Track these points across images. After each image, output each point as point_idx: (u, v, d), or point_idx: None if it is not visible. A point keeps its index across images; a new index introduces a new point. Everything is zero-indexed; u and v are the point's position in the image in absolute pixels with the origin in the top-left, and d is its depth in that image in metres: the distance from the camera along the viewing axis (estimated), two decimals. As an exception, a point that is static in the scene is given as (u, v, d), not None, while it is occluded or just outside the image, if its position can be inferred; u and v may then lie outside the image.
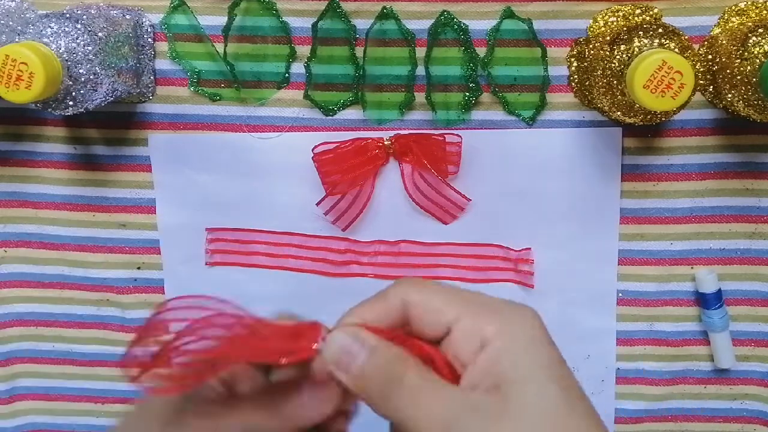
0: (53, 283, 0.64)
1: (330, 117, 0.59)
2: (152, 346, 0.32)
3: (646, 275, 0.60)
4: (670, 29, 0.49)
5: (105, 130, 0.61)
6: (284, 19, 0.57)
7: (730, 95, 0.51)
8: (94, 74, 0.50)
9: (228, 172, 0.61)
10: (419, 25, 0.57)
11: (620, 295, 0.61)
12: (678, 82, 0.46)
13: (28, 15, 0.56)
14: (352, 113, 0.59)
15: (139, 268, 0.63)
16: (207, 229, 0.62)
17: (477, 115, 0.59)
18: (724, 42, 0.51)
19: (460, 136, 0.58)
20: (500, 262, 0.61)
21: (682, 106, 0.48)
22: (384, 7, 0.57)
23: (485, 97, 0.58)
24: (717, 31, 0.55)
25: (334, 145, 0.59)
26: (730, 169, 0.58)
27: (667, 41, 0.48)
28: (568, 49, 0.57)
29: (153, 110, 0.60)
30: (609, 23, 0.54)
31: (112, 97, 0.53)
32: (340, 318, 0.35)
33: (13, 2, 0.56)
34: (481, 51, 0.57)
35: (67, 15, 0.51)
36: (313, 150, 0.58)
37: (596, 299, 0.61)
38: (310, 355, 0.33)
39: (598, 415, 0.33)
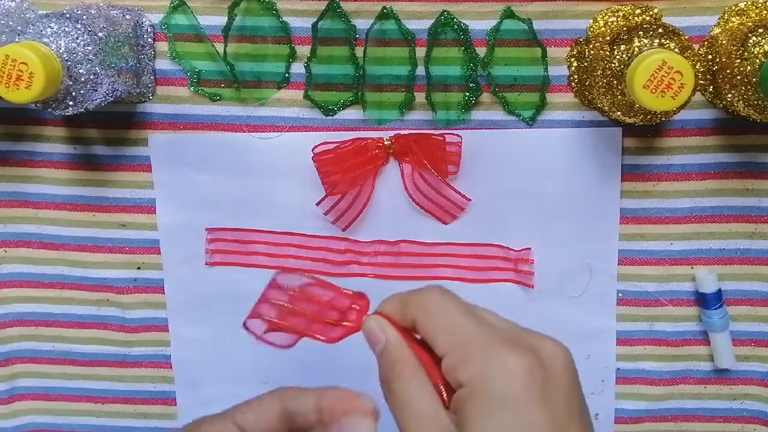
0: (53, 283, 0.64)
1: (330, 117, 0.59)
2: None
3: (646, 275, 0.60)
4: (670, 29, 0.49)
5: (105, 130, 0.61)
6: (284, 19, 0.57)
7: (730, 95, 0.51)
8: (94, 74, 0.50)
9: (228, 172, 0.61)
10: (419, 25, 0.57)
11: (620, 295, 0.61)
12: (678, 82, 0.46)
13: (28, 15, 0.56)
14: (352, 113, 0.59)
15: (139, 268, 0.63)
16: (207, 229, 0.62)
17: (477, 115, 0.59)
18: (724, 42, 0.51)
19: (460, 136, 0.58)
20: (500, 262, 0.61)
21: (682, 106, 0.48)
22: (384, 7, 0.57)
23: (485, 97, 0.58)
24: (717, 31, 0.55)
25: (334, 145, 0.59)
26: (730, 169, 0.58)
27: (667, 41, 0.48)
28: (568, 49, 0.57)
29: (153, 110, 0.60)
30: (609, 23, 0.54)
31: (112, 97, 0.53)
32: (381, 302, 0.40)
33: (13, 2, 0.56)
34: (481, 51, 0.57)
35: (67, 15, 0.51)
36: (313, 150, 0.58)
37: (596, 299, 0.61)
38: (354, 332, 0.40)
39: None
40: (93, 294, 0.64)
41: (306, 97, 0.59)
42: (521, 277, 0.61)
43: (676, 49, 0.48)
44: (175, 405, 0.66)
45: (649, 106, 0.46)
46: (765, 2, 0.54)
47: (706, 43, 0.55)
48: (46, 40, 0.49)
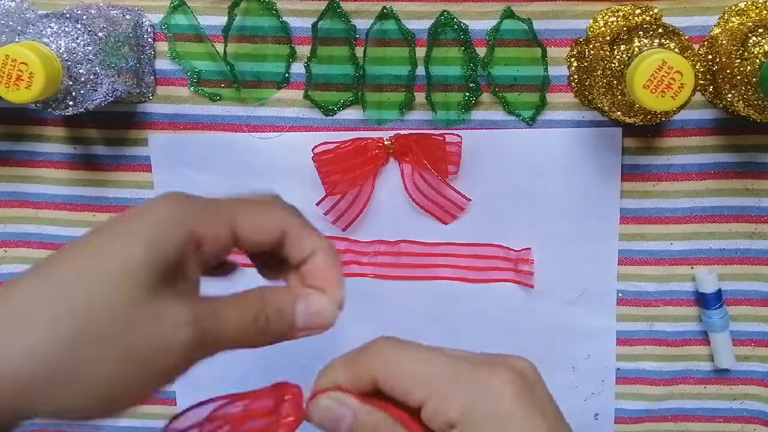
0: (53, 283, 0.64)
1: (330, 117, 0.59)
2: None
3: (646, 275, 0.60)
4: (670, 29, 0.49)
5: (105, 130, 0.61)
6: (284, 19, 0.57)
7: (730, 95, 0.51)
8: (94, 74, 0.50)
9: (228, 172, 0.61)
10: (419, 25, 0.57)
11: (620, 295, 0.61)
12: (678, 82, 0.46)
13: (28, 15, 0.56)
14: (352, 113, 0.59)
15: (139, 268, 0.63)
16: (207, 229, 0.62)
17: (477, 115, 0.59)
18: (724, 42, 0.51)
19: (460, 136, 0.58)
20: (500, 262, 0.61)
21: (682, 106, 0.48)
22: (384, 7, 0.57)
23: (485, 97, 0.58)
24: (717, 31, 0.55)
25: (334, 145, 0.59)
26: (730, 169, 0.58)
27: (667, 41, 0.48)
28: (568, 49, 0.57)
29: (153, 110, 0.60)
30: (609, 23, 0.54)
31: (112, 97, 0.53)
32: (316, 379, 0.36)
33: (13, 2, 0.56)
34: (481, 51, 0.57)
35: (67, 15, 0.51)
36: (313, 150, 0.58)
37: (596, 299, 0.61)
38: (298, 425, 0.35)
39: None
40: (93, 294, 0.64)
41: (306, 97, 0.59)
42: (521, 277, 0.61)
43: (676, 49, 0.48)
44: (175, 405, 0.66)
45: (649, 106, 0.46)
46: (765, 2, 0.54)
47: (706, 43, 0.55)
48: (46, 40, 0.49)
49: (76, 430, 0.67)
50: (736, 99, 0.50)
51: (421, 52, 0.57)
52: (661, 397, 0.62)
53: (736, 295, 0.60)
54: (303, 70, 0.58)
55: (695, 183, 0.59)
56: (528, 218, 0.60)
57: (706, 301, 0.59)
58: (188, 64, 0.59)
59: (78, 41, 0.50)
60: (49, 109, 0.51)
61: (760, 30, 0.49)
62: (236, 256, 0.39)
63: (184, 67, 0.59)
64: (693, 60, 0.47)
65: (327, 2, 0.57)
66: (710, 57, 0.53)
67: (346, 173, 0.58)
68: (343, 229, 0.61)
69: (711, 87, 0.55)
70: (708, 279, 0.59)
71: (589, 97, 0.56)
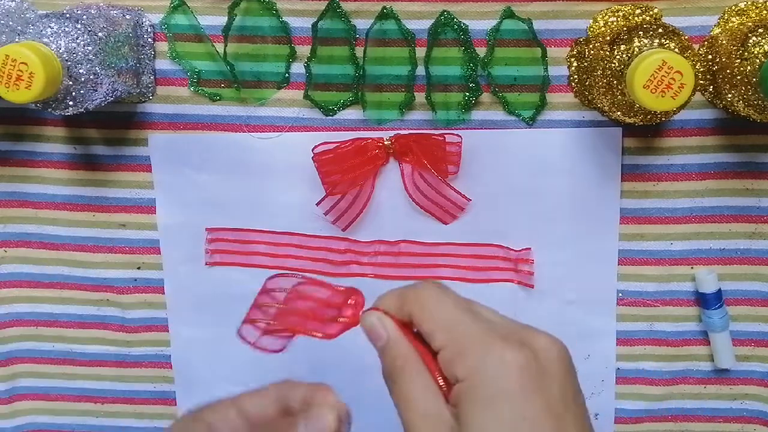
0: (53, 283, 0.64)
1: (330, 117, 0.59)
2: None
3: (646, 275, 0.60)
4: (670, 29, 0.49)
5: (105, 130, 0.61)
6: (284, 19, 0.57)
7: (730, 95, 0.51)
8: (94, 74, 0.50)
9: (228, 172, 0.61)
10: (419, 25, 0.57)
11: (620, 295, 0.61)
12: (678, 82, 0.46)
13: (28, 15, 0.56)
14: (352, 113, 0.59)
15: (139, 268, 0.63)
16: (207, 229, 0.62)
17: (477, 115, 0.59)
18: (724, 42, 0.51)
19: (460, 136, 0.58)
20: (500, 262, 0.61)
21: (682, 106, 0.48)
22: (384, 7, 0.57)
23: (485, 97, 0.58)
24: (717, 31, 0.55)
25: (334, 145, 0.59)
26: (730, 169, 0.58)
27: (667, 41, 0.48)
28: (568, 49, 0.57)
29: (153, 110, 0.60)
30: (609, 23, 0.54)
31: (112, 97, 0.53)
32: (379, 297, 0.40)
33: (13, 2, 0.56)
34: (481, 51, 0.57)
35: (67, 15, 0.51)
36: (313, 150, 0.58)
37: (596, 299, 0.61)
38: (351, 326, 0.40)
39: None
40: (93, 294, 0.64)
41: (306, 97, 0.59)
42: (521, 277, 0.61)
43: (676, 49, 0.48)
44: (175, 405, 0.66)
45: (649, 106, 0.46)
46: (765, 2, 0.54)
47: (706, 43, 0.55)
48: (46, 40, 0.49)
49: (76, 430, 0.67)
50: (736, 99, 0.50)
51: (421, 52, 0.57)
52: (661, 397, 0.62)
53: (736, 295, 0.60)
54: (303, 70, 0.58)
55: (695, 183, 0.59)
56: (528, 218, 0.60)
57: (706, 301, 0.59)
58: (188, 64, 0.59)
59: (78, 41, 0.50)
60: (49, 109, 0.51)
61: (760, 30, 0.49)
62: None
63: (184, 67, 0.59)
64: (693, 60, 0.47)
65: (327, 2, 0.57)
66: (710, 57, 0.53)
67: (346, 173, 0.58)
68: (343, 229, 0.61)
69: (711, 87, 0.55)
70: (708, 279, 0.59)
71: (589, 97, 0.56)
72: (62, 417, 0.66)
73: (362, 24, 0.57)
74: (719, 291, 0.59)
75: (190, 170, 0.61)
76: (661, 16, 0.54)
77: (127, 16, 0.56)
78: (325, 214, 0.60)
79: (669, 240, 0.60)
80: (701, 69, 0.53)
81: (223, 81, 0.59)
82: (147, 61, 0.58)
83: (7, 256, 0.64)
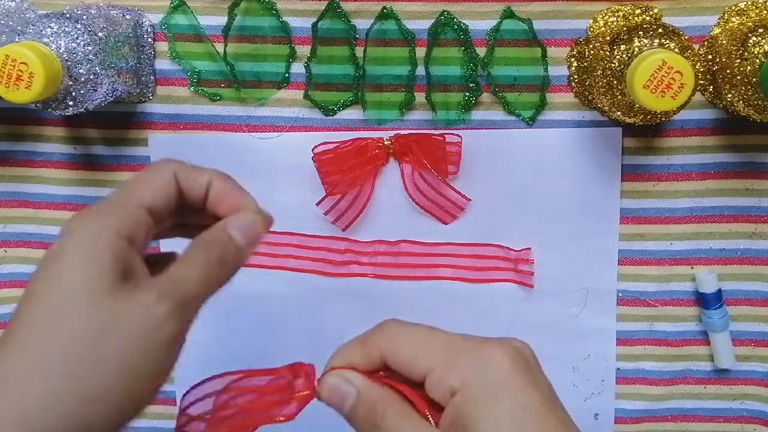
0: (53, 283, 0.64)
1: (330, 117, 0.59)
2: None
3: (646, 275, 0.60)
4: (670, 29, 0.49)
5: (105, 130, 0.61)
6: (284, 19, 0.57)
7: (730, 95, 0.51)
8: (94, 74, 0.50)
9: (228, 172, 0.60)
10: (419, 25, 0.57)
11: (620, 295, 0.61)
12: (678, 82, 0.46)
13: (28, 15, 0.56)
14: (352, 113, 0.59)
15: (139, 268, 0.63)
16: (207, 229, 0.62)
17: (477, 115, 0.59)
18: (724, 42, 0.51)
19: (460, 136, 0.58)
20: (500, 262, 0.61)
21: (682, 106, 0.48)
22: (384, 7, 0.57)
23: (485, 97, 0.58)
24: (717, 31, 0.55)
25: (334, 145, 0.59)
26: (730, 169, 0.58)
27: (667, 41, 0.48)
28: (568, 49, 0.57)
29: (153, 110, 0.60)
30: (609, 23, 0.54)
31: (112, 97, 0.53)
32: (329, 358, 0.37)
33: (13, 2, 0.56)
34: (481, 51, 0.57)
35: (67, 15, 0.51)
36: (313, 150, 0.58)
37: (596, 299, 0.61)
38: (310, 399, 0.37)
39: None
40: (93, 294, 0.64)
41: (306, 97, 0.59)
42: (521, 277, 0.61)
43: (676, 49, 0.48)
44: (175, 405, 0.66)
45: (649, 106, 0.46)
46: (765, 2, 0.54)
47: (706, 43, 0.55)
48: (46, 40, 0.49)
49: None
50: (736, 99, 0.51)
51: (421, 52, 0.57)
52: (661, 397, 0.62)
53: (736, 295, 0.60)
54: (303, 70, 0.58)
55: (695, 183, 0.59)
56: (528, 218, 0.60)
57: (706, 301, 0.59)
58: (188, 64, 0.59)
59: (78, 41, 0.50)
60: (49, 109, 0.51)
61: (760, 30, 0.49)
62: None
63: (184, 67, 0.59)
64: (693, 60, 0.47)
65: (327, 2, 0.57)
66: (710, 57, 0.53)
67: (346, 173, 0.58)
68: (343, 229, 0.61)
69: (711, 87, 0.55)
70: (708, 279, 0.59)
71: (589, 97, 0.56)
72: (62, 417, 0.66)
73: (362, 24, 0.57)
74: (719, 291, 0.59)
75: (190, 170, 0.61)
76: (661, 16, 0.54)
77: (127, 16, 0.56)
78: (325, 214, 0.60)
79: (669, 240, 0.60)
80: (701, 69, 0.53)
81: (223, 81, 0.59)
82: (147, 61, 0.58)
83: (7, 256, 0.64)
